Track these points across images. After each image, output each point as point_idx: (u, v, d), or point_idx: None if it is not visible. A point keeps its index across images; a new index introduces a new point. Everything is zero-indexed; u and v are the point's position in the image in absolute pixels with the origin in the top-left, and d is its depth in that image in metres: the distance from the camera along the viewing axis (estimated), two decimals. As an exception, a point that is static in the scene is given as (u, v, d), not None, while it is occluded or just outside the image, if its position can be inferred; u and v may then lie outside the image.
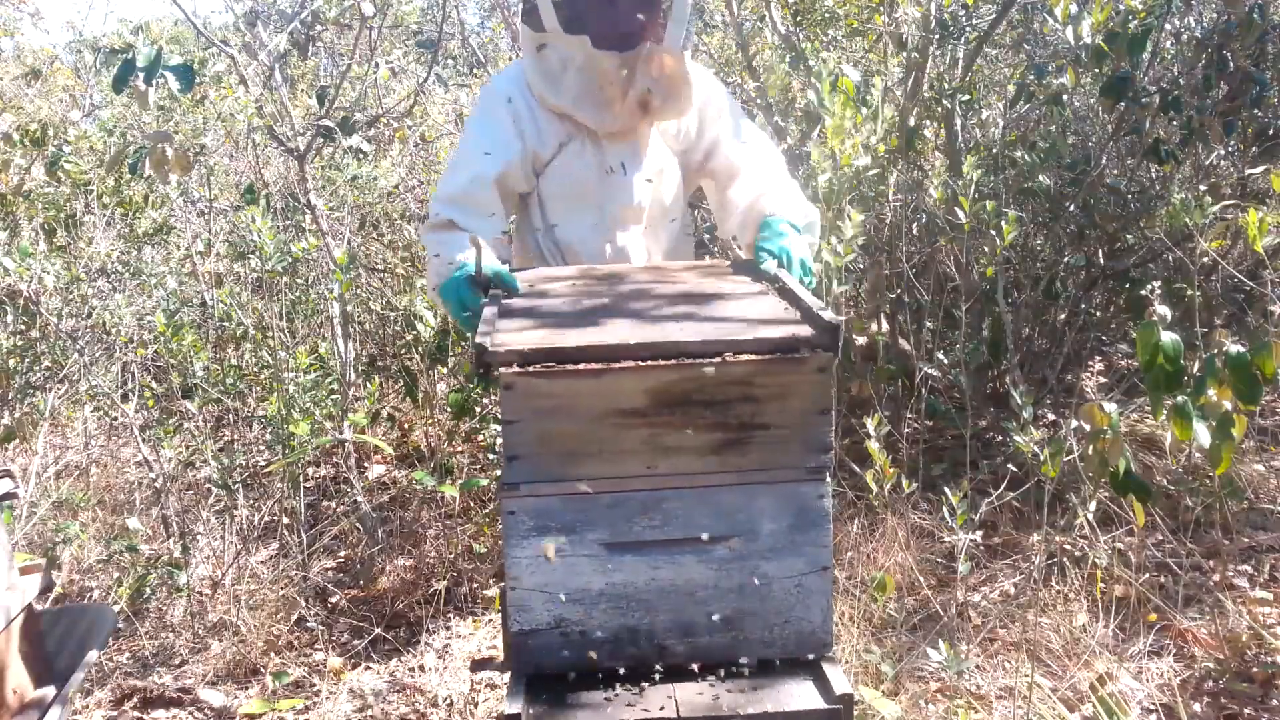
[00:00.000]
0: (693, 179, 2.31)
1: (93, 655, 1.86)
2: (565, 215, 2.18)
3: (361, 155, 4.41)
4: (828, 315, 1.44)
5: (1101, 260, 4.13)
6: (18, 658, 1.70)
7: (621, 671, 1.46)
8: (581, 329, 1.53)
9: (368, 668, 2.95)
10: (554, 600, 1.43)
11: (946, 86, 3.92)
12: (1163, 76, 4.02)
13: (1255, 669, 2.57)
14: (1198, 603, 2.90)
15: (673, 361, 1.39)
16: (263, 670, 2.93)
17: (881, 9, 3.88)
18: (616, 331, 1.50)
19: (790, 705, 1.38)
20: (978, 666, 2.64)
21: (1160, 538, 3.14)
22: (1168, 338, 2.14)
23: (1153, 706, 2.46)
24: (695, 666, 1.46)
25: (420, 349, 4.09)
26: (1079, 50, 3.59)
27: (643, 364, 1.39)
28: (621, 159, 2.17)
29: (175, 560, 3.17)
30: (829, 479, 1.45)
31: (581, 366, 1.38)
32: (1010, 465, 3.23)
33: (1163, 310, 2.15)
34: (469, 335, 1.83)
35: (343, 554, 3.61)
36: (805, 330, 1.45)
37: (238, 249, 4.44)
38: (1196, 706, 2.46)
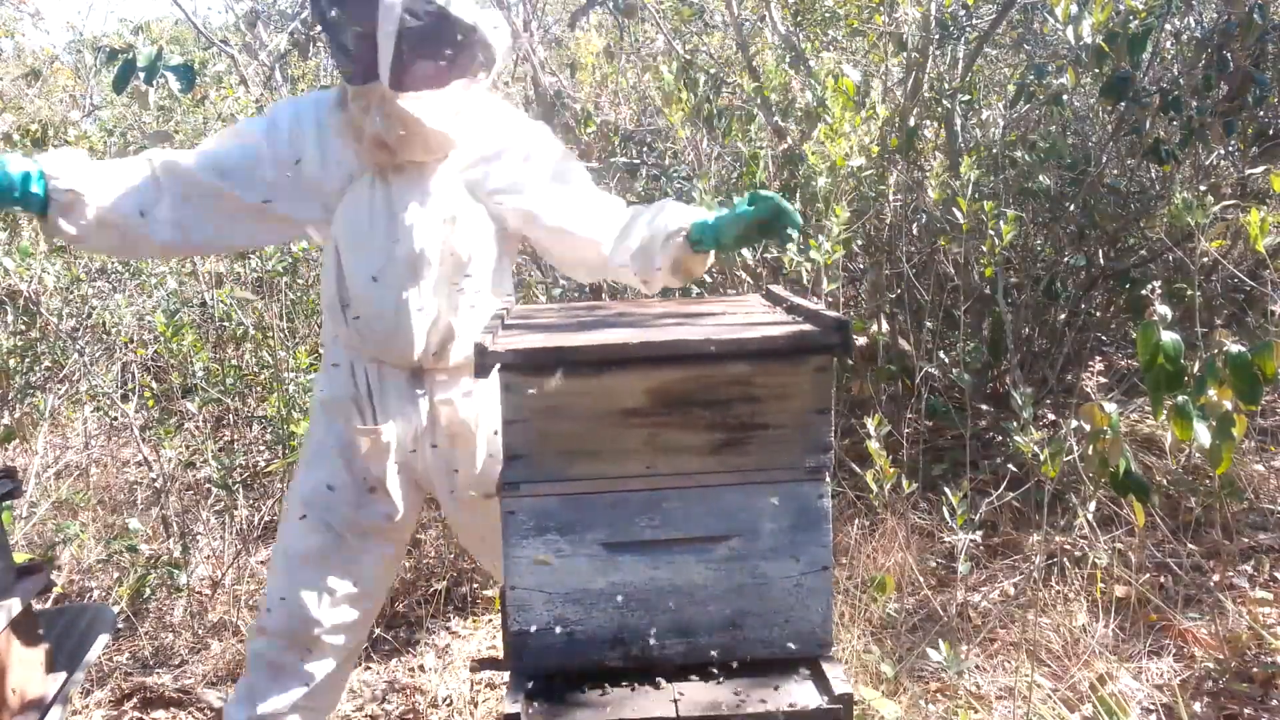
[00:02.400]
0: (514, 231, 2.06)
1: (93, 655, 1.86)
2: (351, 263, 1.95)
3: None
4: (832, 313, 1.45)
5: (1101, 260, 4.14)
6: (18, 658, 1.70)
7: (621, 671, 1.46)
8: (583, 333, 1.53)
9: (368, 668, 2.95)
10: (554, 600, 1.43)
11: (946, 86, 3.91)
12: (1163, 76, 4.02)
13: (1255, 669, 2.57)
14: (1198, 603, 2.90)
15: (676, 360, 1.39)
16: (263, 670, 2.93)
17: (881, 9, 3.88)
18: (618, 334, 1.50)
19: (790, 705, 1.38)
20: (978, 666, 2.64)
21: (1160, 538, 3.14)
22: (1168, 338, 2.14)
23: (1153, 706, 2.46)
24: (694, 666, 1.46)
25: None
26: (1079, 50, 3.59)
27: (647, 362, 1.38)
28: (408, 201, 1.93)
29: (175, 560, 3.17)
30: (829, 479, 1.45)
31: (582, 364, 1.38)
32: (1010, 465, 3.23)
33: (1163, 310, 2.14)
34: None
35: (343, 554, 3.61)
36: (810, 328, 1.45)
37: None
38: (1196, 706, 2.46)
